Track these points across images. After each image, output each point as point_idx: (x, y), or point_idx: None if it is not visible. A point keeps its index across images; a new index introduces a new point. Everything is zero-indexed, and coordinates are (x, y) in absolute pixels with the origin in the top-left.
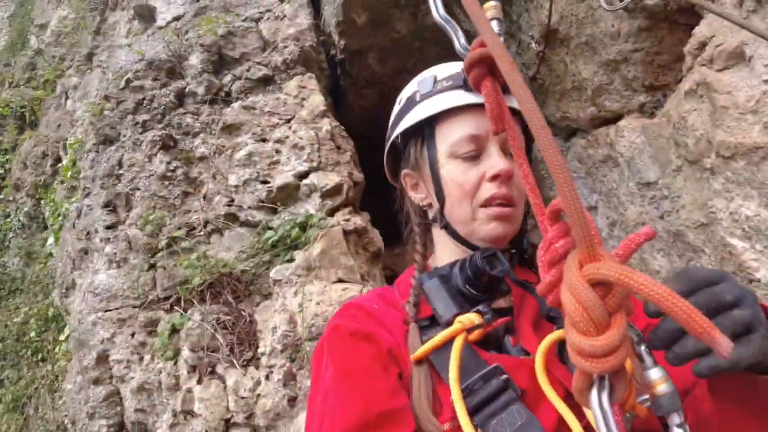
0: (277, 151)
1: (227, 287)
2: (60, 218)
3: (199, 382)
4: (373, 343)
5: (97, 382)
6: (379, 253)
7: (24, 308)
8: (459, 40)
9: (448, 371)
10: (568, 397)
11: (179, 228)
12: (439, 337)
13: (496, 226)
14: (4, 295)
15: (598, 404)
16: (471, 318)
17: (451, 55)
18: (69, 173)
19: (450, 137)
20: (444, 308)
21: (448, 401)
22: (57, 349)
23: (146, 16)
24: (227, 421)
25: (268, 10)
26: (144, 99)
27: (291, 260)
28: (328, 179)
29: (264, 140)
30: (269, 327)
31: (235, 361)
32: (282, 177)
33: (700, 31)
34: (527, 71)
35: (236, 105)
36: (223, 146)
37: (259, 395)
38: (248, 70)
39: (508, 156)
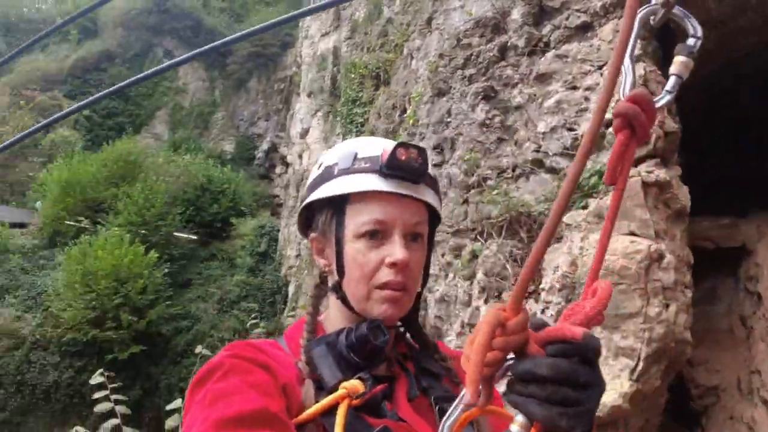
0: (586, 99)
1: (524, 226)
2: None
3: (486, 301)
4: (271, 374)
5: None
6: (683, 211)
7: None
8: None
9: None
10: None
11: (491, 170)
12: (326, 401)
13: (387, 308)
14: None
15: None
16: (355, 384)
17: None
18: (411, 121)
19: (358, 218)
20: (329, 374)
21: None
22: None
23: None
24: None
25: None
26: (471, 55)
27: (585, 207)
28: None
29: (574, 88)
30: (552, 266)
31: None
32: (588, 124)
33: None
34: None
35: (549, 54)
36: (535, 95)
37: None
38: (567, 19)
39: (411, 242)
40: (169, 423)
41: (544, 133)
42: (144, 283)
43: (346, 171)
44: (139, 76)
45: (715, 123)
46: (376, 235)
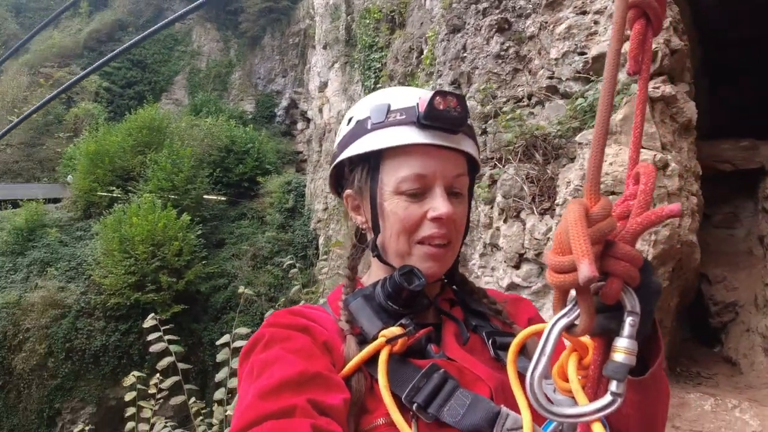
0: (596, 23)
1: (539, 149)
2: None
3: (505, 221)
4: (310, 335)
5: None
6: (689, 125)
7: None
8: None
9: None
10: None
11: (507, 100)
12: (365, 351)
13: (431, 265)
14: None
15: (550, 325)
16: (393, 330)
17: None
18: (428, 61)
19: (397, 173)
20: (369, 325)
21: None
22: None
23: None
24: (521, 255)
25: None
26: None
27: None
28: None
29: (584, 12)
30: (564, 180)
31: (534, 209)
32: (598, 47)
33: None
34: None
35: None
36: (546, 22)
37: (549, 238)
38: None
39: (451, 197)
40: (219, 375)
41: (556, 60)
42: (179, 246)
43: (380, 125)
44: (146, 33)
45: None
46: (417, 189)
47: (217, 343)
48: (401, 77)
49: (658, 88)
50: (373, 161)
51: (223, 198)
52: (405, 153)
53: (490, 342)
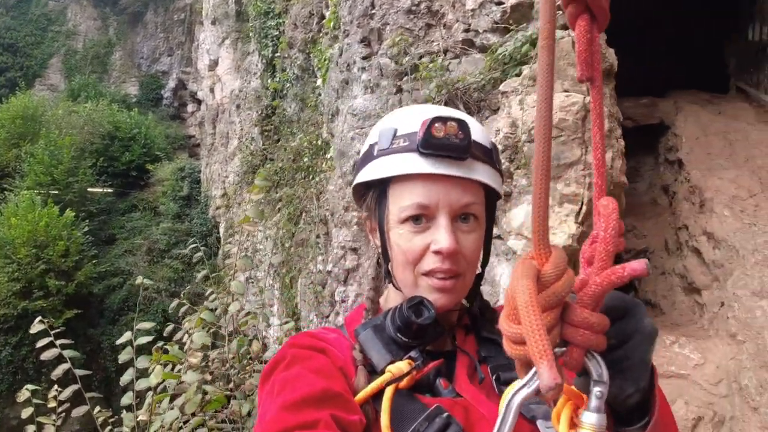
0: None
1: (461, 102)
2: (326, 62)
3: None
4: (329, 357)
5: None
6: (611, 70)
7: (299, 135)
8: None
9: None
10: None
11: (422, 56)
12: (371, 386)
13: (438, 297)
14: (286, 134)
15: (508, 399)
16: (400, 366)
17: None
18: (332, 23)
19: (400, 202)
20: (378, 357)
21: None
22: (324, 165)
23: None
24: None
25: None
26: None
27: (519, 74)
28: None
29: None
30: (493, 130)
31: None
32: None
33: None
34: None
35: None
36: None
37: None
38: None
39: (461, 224)
40: (125, 378)
41: (473, 11)
42: (65, 245)
43: (385, 151)
44: None
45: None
46: (420, 219)
47: (118, 342)
48: (301, 44)
49: None
50: (380, 188)
51: (110, 190)
52: (409, 181)
53: (494, 378)
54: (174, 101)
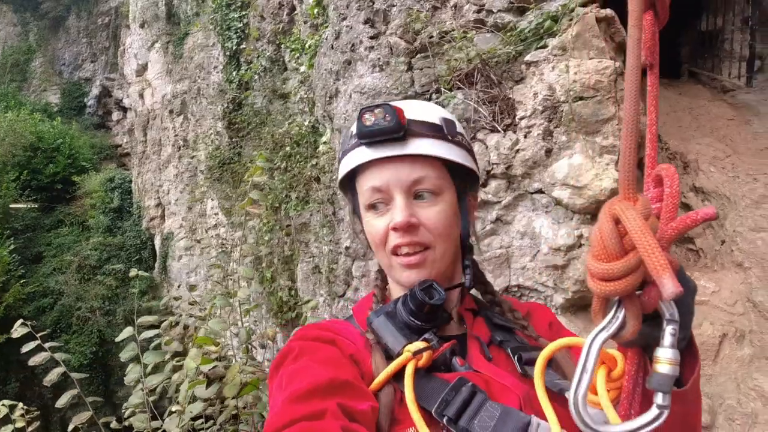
0: None
1: (483, 76)
2: (311, 49)
3: None
4: (337, 347)
5: None
6: (624, 44)
7: (274, 126)
8: None
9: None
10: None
11: (431, 37)
12: (391, 366)
13: (410, 274)
14: (255, 126)
15: (590, 339)
16: (417, 345)
17: None
18: (314, 11)
19: (361, 192)
20: (393, 341)
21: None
22: (322, 148)
23: None
24: (488, 172)
25: None
26: None
27: (545, 46)
28: None
29: None
30: (530, 94)
31: (497, 125)
32: None
33: None
34: None
35: None
36: None
37: (518, 150)
38: None
39: (419, 201)
40: (130, 377)
41: None
42: None
43: (345, 151)
44: None
45: None
46: (379, 203)
47: (117, 339)
48: (271, 35)
49: (603, 9)
50: (349, 185)
51: (34, 205)
52: (365, 171)
53: (516, 358)
54: (98, 109)
